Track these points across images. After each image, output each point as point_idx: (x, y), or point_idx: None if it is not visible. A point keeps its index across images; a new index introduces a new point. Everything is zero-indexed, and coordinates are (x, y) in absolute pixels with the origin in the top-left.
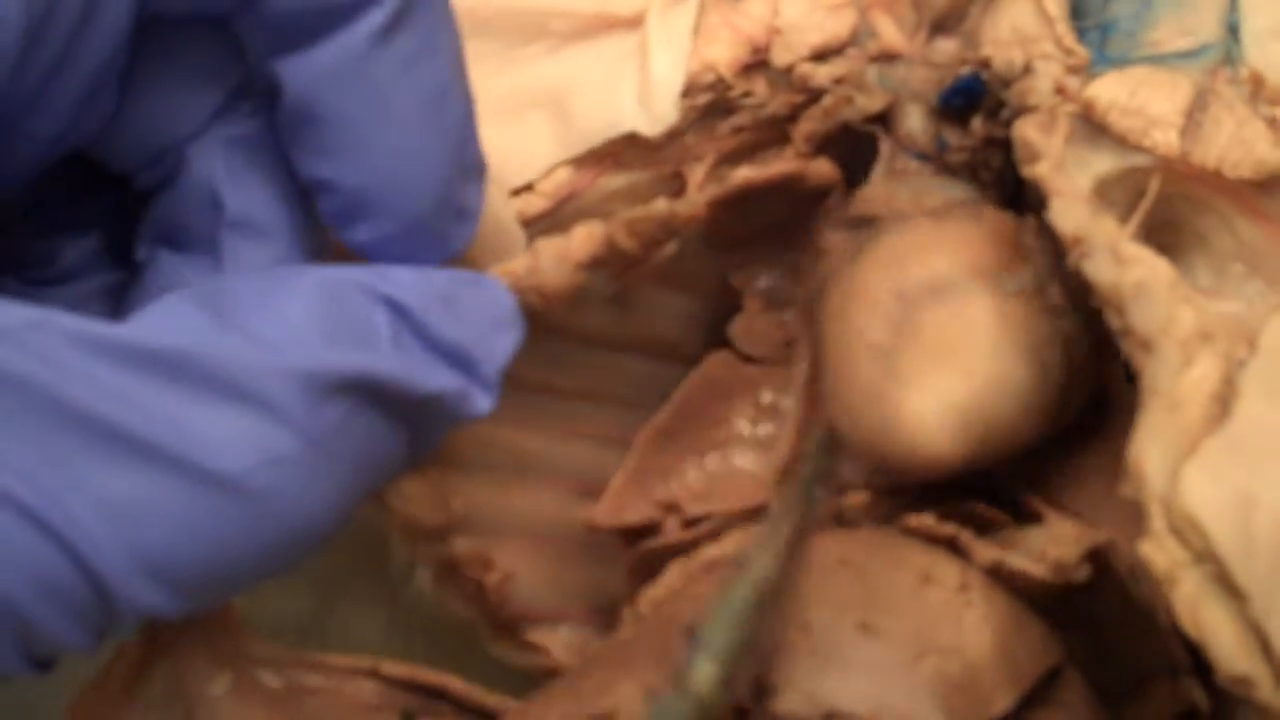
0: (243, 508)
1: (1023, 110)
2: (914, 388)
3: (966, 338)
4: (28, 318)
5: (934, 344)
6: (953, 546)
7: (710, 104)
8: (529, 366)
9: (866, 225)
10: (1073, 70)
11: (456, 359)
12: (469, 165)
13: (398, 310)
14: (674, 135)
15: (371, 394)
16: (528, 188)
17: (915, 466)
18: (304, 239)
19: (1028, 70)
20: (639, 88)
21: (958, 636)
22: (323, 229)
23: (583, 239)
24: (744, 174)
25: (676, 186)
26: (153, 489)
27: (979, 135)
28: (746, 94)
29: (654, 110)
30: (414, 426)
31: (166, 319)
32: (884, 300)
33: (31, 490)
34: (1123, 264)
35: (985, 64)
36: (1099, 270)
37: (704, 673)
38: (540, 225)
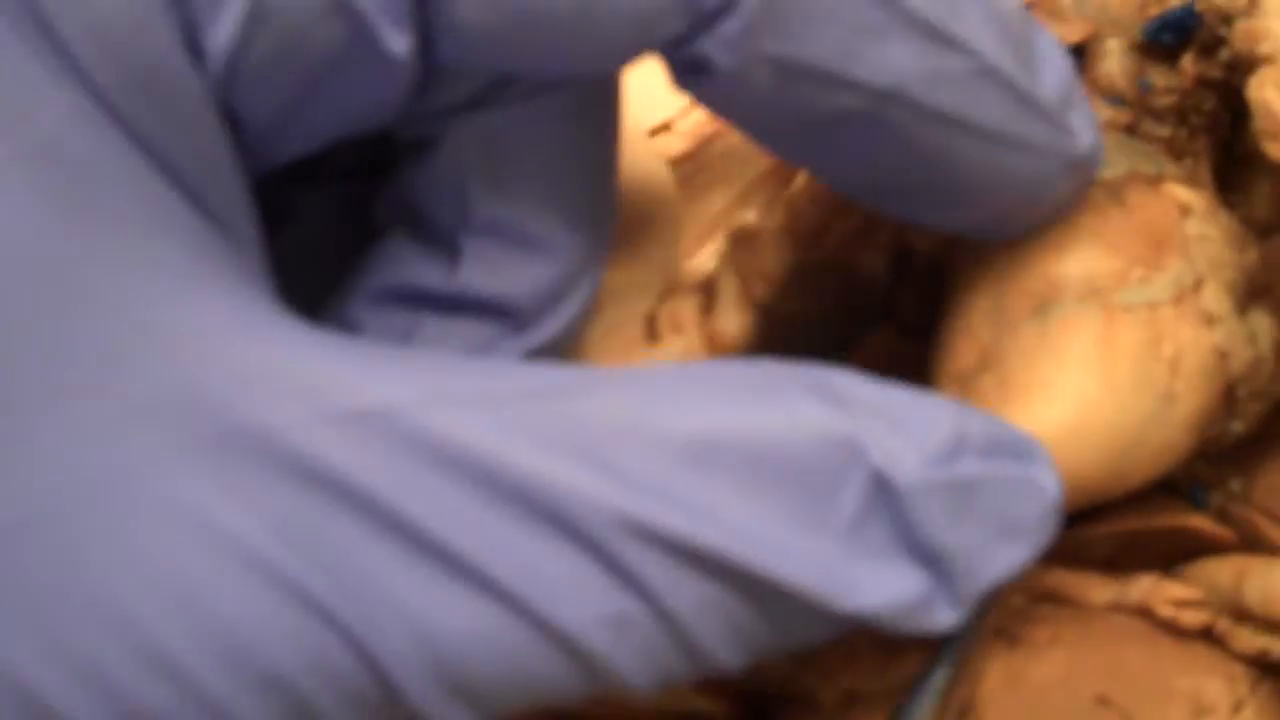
0: (567, 661)
1: (1250, 59)
2: None
3: (1046, 370)
4: (376, 401)
5: (1012, 376)
6: (1208, 636)
7: None
8: None
9: None
10: None
11: (928, 561)
12: None
13: (883, 490)
14: None
15: (759, 595)
16: (665, 127)
17: None
18: (578, 253)
19: (1253, 5)
20: None
21: None
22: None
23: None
24: None
25: None
26: (479, 624)
27: (1190, 76)
28: None
29: None
30: (798, 633)
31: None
32: (977, 324)
33: (349, 608)
34: None
35: None
36: None
37: None
38: (684, 169)
